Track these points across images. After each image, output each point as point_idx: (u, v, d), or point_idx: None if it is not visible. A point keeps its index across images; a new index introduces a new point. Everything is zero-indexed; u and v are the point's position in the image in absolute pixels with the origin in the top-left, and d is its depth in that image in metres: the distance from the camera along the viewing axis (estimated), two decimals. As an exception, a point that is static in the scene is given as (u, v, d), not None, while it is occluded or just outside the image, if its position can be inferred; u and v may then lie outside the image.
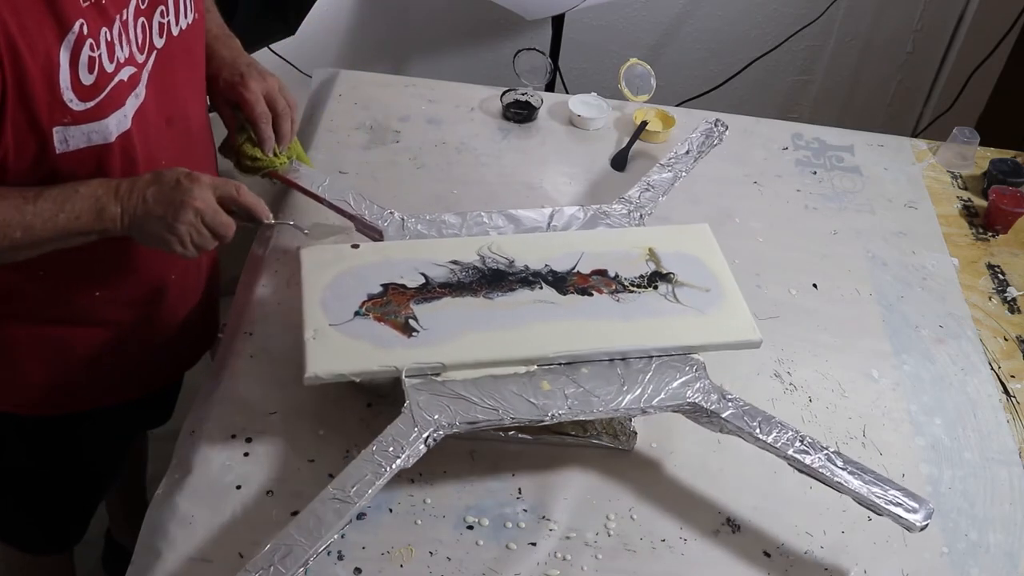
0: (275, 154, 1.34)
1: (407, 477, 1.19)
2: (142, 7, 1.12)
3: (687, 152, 1.58)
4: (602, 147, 1.79)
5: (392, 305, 1.24)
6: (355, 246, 1.32)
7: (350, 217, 1.37)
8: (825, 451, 1.15)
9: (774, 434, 1.16)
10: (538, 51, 1.91)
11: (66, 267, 1.17)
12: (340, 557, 1.11)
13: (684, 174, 1.54)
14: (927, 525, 1.10)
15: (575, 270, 1.32)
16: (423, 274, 1.29)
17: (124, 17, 1.09)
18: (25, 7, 0.98)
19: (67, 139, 1.06)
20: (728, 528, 1.20)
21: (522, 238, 1.38)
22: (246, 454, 1.21)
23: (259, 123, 1.30)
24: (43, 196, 1.05)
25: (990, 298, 1.59)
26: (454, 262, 1.31)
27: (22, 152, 1.05)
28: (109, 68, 1.07)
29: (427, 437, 1.11)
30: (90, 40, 1.04)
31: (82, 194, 1.07)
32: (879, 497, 1.11)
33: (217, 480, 1.17)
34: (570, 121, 1.84)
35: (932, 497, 1.25)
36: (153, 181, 1.10)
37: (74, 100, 1.04)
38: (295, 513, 1.14)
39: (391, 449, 1.09)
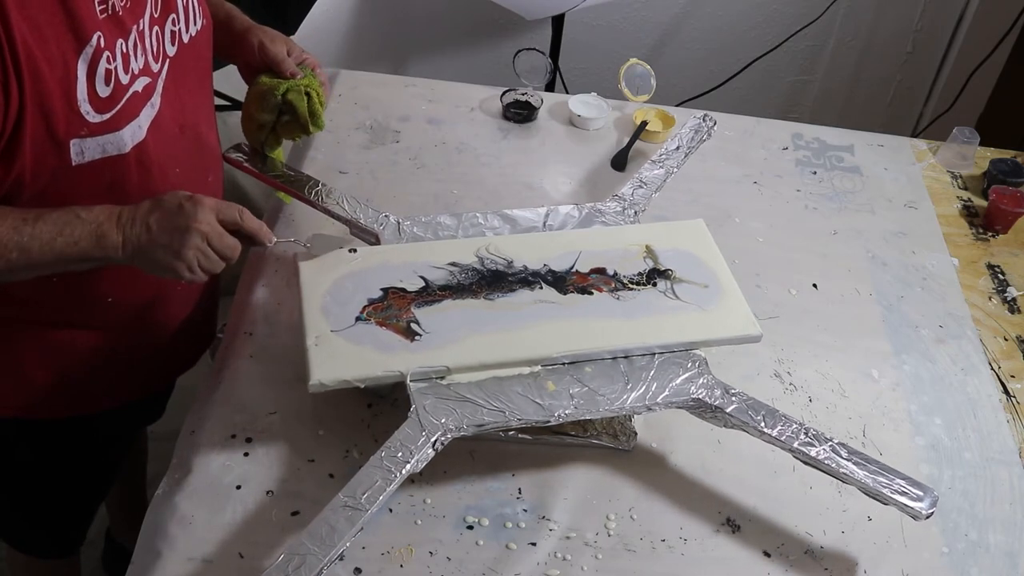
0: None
1: (408, 477, 1.18)
2: (155, 16, 1.13)
3: (677, 148, 1.58)
4: (602, 147, 1.79)
5: (393, 309, 1.24)
6: (352, 250, 1.32)
7: (345, 221, 1.37)
8: (830, 442, 1.15)
9: (779, 427, 1.16)
10: (538, 51, 1.91)
11: (80, 273, 1.16)
12: (340, 557, 1.11)
13: (676, 170, 1.54)
14: (932, 513, 1.10)
15: (574, 269, 1.32)
16: (422, 277, 1.29)
17: (140, 27, 1.10)
18: (44, 20, 0.98)
19: (83, 151, 1.06)
20: (728, 528, 1.20)
21: (519, 238, 1.38)
22: (246, 454, 1.21)
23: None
24: (43, 219, 1.04)
25: (990, 298, 1.59)
26: (453, 264, 1.31)
27: (40, 165, 1.04)
28: (124, 80, 1.08)
29: (435, 441, 1.10)
30: (107, 52, 1.04)
31: (83, 219, 1.05)
32: (885, 486, 1.11)
33: (217, 480, 1.17)
34: (570, 121, 1.84)
35: (932, 497, 1.25)
36: (155, 207, 1.08)
37: (91, 112, 1.04)
38: (295, 513, 1.14)
39: (400, 454, 1.08)
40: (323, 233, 1.35)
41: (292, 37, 1.42)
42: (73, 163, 1.06)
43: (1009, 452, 1.34)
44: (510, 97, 1.84)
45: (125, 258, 1.08)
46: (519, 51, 1.91)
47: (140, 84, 1.10)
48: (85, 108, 1.03)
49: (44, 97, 1.00)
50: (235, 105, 2.49)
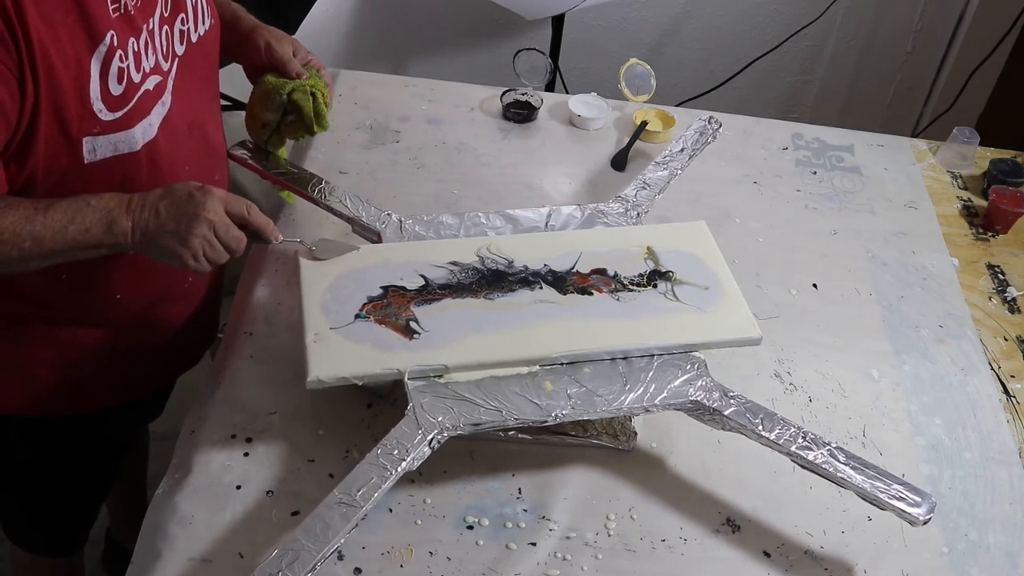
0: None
1: (407, 477, 1.18)
2: (165, 15, 1.13)
3: (681, 150, 1.58)
4: (602, 147, 1.79)
5: (392, 307, 1.24)
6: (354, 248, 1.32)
7: (347, 219, 1.37)
8: (827, 447, 1.15)
9: (777, 430, 1.16)
10: (538, 51, 1.91)
11: (89, 271, 1.17)
12: (340, 557, 1.11)
13: (680, 172, 1.54)
14: (930, 519, 1.10)
15: (574, 269, 1.32)
16: (422, 276, 1.29)
17: (151, 26, 1.10)
18: (59, 19, 0.99)
19: (95, 148, 1.07)
20: (728, 528, 1.20)
21: (520, 238, 1.38)
22: (246, 454, 1.21)
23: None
24: (54, 207, 1.05)
25: (990, 298, 1.59)
26: (453, 263, 1.31)
27: (53, 162, 1.05)
28: (136, 78, 1.08)
29: (431, 439, 1.10)
30: (119, 51, 1.05)
31: (93, 207, 1.06)
32: (882, 492, 1.11)
33: (217, 480, 1.18)
34: (570, 121, 1.84)
35: (932, 497, 1.25)
36: (165, 195, 1.09)
37: (103, 110, 1.05)
38: (295, 513, 1.14)
39: (396, 452, 1.09)
40: (328, 238, 1.35)
41: (292, 37, 1.43)
42: (85, 161, 1.07)
43: (1009, 452, 1.34)
44: (510, 97, 1.84)
45: (134, 244, 1.09)
46: (519, 51, 1.91)
47: (151, 83, 1.11)
48: (98, 106, 1.04)
49: (58, 95, 1.00)
50: (236, 105, 2.49)
